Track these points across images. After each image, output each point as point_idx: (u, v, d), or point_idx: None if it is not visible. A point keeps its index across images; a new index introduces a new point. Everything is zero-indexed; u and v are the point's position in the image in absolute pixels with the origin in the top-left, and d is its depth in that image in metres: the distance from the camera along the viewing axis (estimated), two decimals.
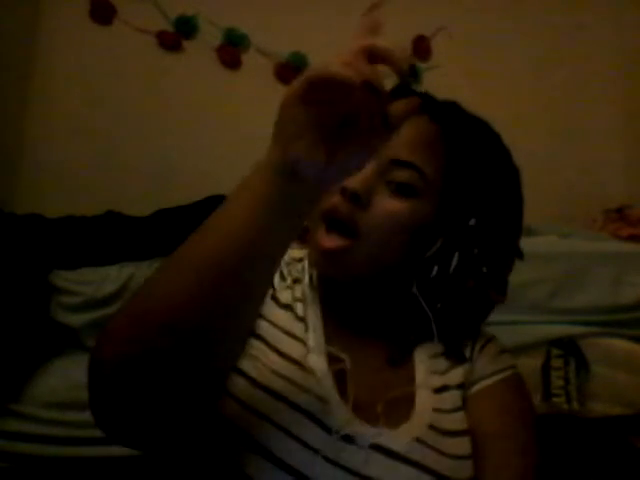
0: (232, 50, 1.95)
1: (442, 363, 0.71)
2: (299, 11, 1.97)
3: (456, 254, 0.67)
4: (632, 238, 1.64)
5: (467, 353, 0.73)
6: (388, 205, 0.64)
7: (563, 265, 1.39)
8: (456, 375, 0.71)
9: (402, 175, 0.65)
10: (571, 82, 2.16)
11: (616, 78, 2.18)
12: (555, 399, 1.30)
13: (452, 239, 0.67)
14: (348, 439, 0.60)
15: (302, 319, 0.68)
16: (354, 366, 0.65)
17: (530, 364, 1.31)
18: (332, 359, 0.65)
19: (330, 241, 0.64)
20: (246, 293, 0.49)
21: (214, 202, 1.74)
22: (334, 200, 0.65)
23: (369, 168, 0.64)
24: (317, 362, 0.64)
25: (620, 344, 1.36)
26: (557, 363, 1.33)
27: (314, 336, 0.66)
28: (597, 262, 1.40)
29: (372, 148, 0.46)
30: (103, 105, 1.85)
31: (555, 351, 1.34)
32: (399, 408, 0.65)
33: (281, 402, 0.60)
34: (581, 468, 1.23)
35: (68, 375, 1.19)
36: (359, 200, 0.63)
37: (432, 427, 0.65)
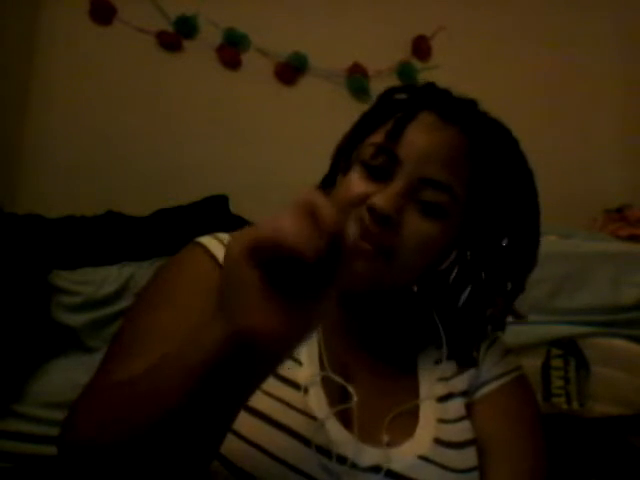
0: (232, 50, 1.94)
1: (447, 368, 0.70)
2: (299, 11, 1.97)
3: (482, 272, 0.66)
4: (632, 238, 1.64)
5: (474, 354, 0.72)
6: (420, 227, 0.62)
7: (563, 265, 1.39)
8: (461, 382, 0.70)
9: (433, 196, 0.62)
10: (571, 82, 2.15)
11: (616, 78, 2.18)
12: (555, 399, 1.30)
13: (479, 256, 0.66)
14: (350, 464, 0.59)
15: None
16: (355, 383, 0.64)
17: (530, 364, 1.31)
18: (332, 382, 0.63)
19: (362, 245, 0.61)
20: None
21: (214, 202, 1.73)
22: (360, 216, 0.62)
23: (398, 185, 0.62)
24: (316, 402, 0.61)
25: (620, 344, 1.35)
26: (557, 363, 1.33)
27: (310, 366, 0.63)
28: (597, 262, 1.40)
29: (328, 296, 0.40)
30: (103, 105, 1.85)
31: (555, 351, 1.33)
32: (403, 422, 0.64)
33: (275, 428, 0.58)
34: (581, 468, 1.23)
35: (68, 375, 1.19)
36: (389, 222, 0.61)
37: (437, 441, 0.64)
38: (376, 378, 0.67)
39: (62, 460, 0.50)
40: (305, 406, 0.60)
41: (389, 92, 0.72)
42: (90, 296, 1.28)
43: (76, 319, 1.27)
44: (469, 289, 0.66)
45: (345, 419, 0.62)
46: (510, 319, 0.72)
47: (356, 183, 0.64)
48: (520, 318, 0.70)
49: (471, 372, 0.71)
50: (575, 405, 1.29)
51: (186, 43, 1.93)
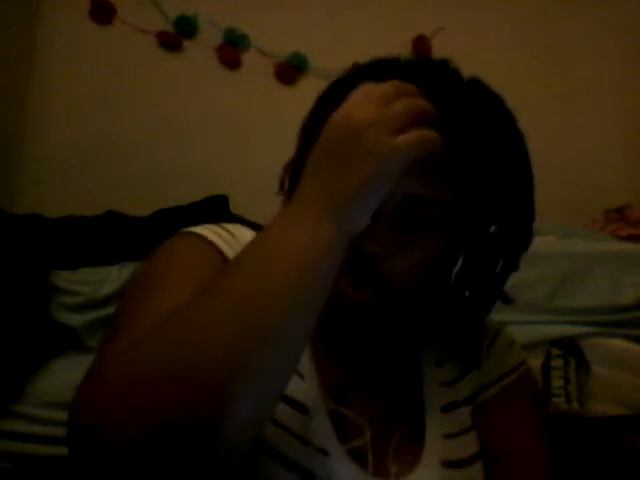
0: (232, 50, 1.95)
1: (449, 371, 0.68)
2: (299, 11, 1.97)
3: (476, 262, 0.63)
4: (632, 238, 1.64)
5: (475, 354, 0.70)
6: (412, 247, 0.58)
7: (563, 265, 1.39)
8: (464, 387, 0.68)
9: (422, 213, 0.57)
10: (570, 83, 2.15)
11: (616, 78, 2.18)
12: (555, 399, 1.30)
13: (471, 249, 0.63)
14: None
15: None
16: (356, 405, 0.61)
17: (530, 364, 1.31)
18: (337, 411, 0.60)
19: (357, 295, 0.58)
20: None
21: (214, 202, 1.72)
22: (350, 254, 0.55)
23: (385, 226, 0.56)
24: (321, 433, 0.58)
25: (620, 344, 1.35)
26: (557, 363, 1.33)
27: (310, 381, 0.60)
28: (597, 262, 1.40)
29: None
30: (103, 105, 1.85)
31: (555, 351, 1.33)
32: (409, 445, 0.62)
33: (277, 462, 0.55)
34: (581, 468, 1.23)
35: (68, 375, 1.19)
36: (380, 257, 0.57)
37: (445, 463, 0.61)
38: (377, 392, 0.65)
39: (78, 453, 0.42)
40: (307, 434, 0.57)
41: (357, 66, 0.67)
42: (90, 296, 1.28)
43: (76, 319, 1.27)
44: (463, 271, 0.63)
45: (354, 453, 0.59)
46: (509, 318, 0.72)
47: None
48: (508, 302, 0.67)
49: (473, 375, 0.69)
50: (575, 405, 1.29)
51: (186, 43, 1.93)
